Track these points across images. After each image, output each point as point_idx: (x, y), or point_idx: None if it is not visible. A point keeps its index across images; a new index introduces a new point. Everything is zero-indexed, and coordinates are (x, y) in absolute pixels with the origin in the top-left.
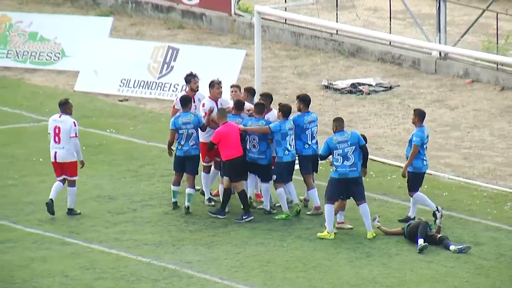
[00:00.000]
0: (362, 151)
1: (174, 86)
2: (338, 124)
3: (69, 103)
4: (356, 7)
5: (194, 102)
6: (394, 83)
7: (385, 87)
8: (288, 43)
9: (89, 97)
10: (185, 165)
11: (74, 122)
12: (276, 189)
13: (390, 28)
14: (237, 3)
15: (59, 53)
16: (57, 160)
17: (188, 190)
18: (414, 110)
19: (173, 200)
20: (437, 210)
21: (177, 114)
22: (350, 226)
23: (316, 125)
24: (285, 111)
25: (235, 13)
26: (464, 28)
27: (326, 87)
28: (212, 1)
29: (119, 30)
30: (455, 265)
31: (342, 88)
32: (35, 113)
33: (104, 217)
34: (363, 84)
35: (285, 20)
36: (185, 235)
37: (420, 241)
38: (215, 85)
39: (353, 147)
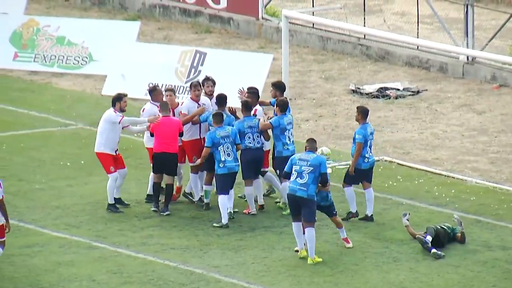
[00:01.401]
0: (321, 178)
1: None
2: (309, 144)
3: None
4: (384, 12)
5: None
6: (422, 88)
7: (412, 92)
8: (315, 48)
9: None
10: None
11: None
12: (281, 183)
13: (418, 32)
14: (265, 7)
15: (87, 57)
16: None
17: (205, 187)
18: (357, 107)
19: (206, 201)
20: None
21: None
22: (351, 245)
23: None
24: (282, 105)
25: (262, 18)
26: (492, 32)
27: (354, 91)
28: (240, 6)
29: (147, 34)
30: (482, 269)
31: (370, 93)
32: (63, 117)
33: (131, 221)
34: (391, 89)
35: (313, 24)
36: (212, 239)
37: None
38: (192, 87)
39: (311, 168)
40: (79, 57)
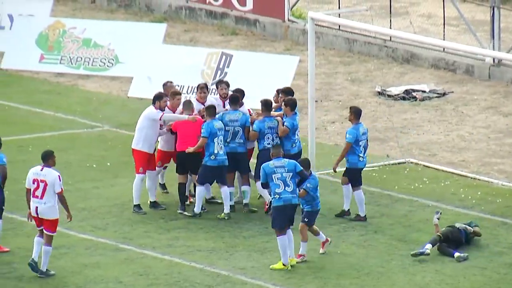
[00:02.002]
0: (301, 176)
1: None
2: (276, 150)
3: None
4: (410, 14)
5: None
6: (448, 90)
7: (438, 94)
8: (341, 50)
9: (143, 103)
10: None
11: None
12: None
13: (444, 34)
14: (291, 9)
15: (113, 59)
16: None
17: (244, 187)
18: (350, 107)
19: (245, 201)
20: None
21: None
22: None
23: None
24: (292, 104)
25: (288, 20)
26: None
27: (380, 93)
28: (266, 8)
29: (173, 37)
30: (509, 271)
31: (396, 95)
32: (89, 119)
33: (157, 223)
34: (417, 91)
35: (339, 26)
36: (238, 241)
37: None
38: (198, 89)
39: (291, 174)
40: (105, 59)
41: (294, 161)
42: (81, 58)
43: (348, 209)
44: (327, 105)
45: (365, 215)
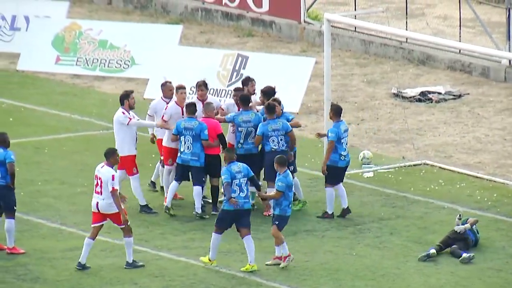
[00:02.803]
0: (252, 183)
1: None
2: (229, 155)
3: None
4: (426, 15)
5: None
6: (464, 91)
7: (454, 95)
8: (357, 51)
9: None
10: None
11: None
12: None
13: (460, 36)
14: (307, 11)
15: (129, 61)
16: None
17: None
18: (331, 105)
19: (251, 201)
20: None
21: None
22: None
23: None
24: (336, 110)
25: (304, 21)
26: None
27: (396, 95)
28: (282, 9)
29: (189, 38)
30: None
31: (412, 96)
32: (105, 121)
33: (172, 225)
34: (433, 92)
35: (355, 28)
36: (254, 243)
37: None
38: (197, 87)
39: (246, 179)
40: (121, 61)
41: (247, 166)
42: (97, 60)
43: (332, 213)
44: (342, 106)
45: (333, 213)
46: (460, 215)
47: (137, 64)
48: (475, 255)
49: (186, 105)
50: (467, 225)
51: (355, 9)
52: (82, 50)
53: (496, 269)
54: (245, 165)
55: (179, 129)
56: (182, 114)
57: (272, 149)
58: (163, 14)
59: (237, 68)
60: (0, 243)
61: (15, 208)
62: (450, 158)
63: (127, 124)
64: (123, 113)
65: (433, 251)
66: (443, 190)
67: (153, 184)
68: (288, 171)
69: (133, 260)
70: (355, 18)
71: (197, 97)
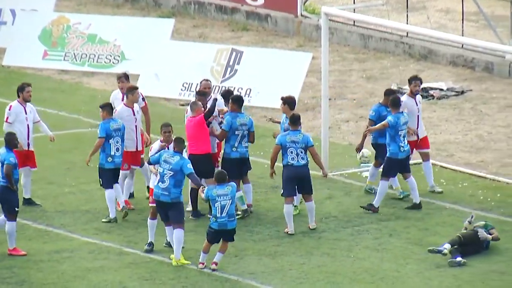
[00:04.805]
0: (190, 178)
1: (237, 90)
2: (177, 145)
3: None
4: (427, 9)
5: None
6: (466, 88)
7: (456, 92)
8: (356, 46)
9: (149, 102)
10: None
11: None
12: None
13: (463, 30)
14: (304, 4)
15: (119, 56)
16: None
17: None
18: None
19: (243, 207)
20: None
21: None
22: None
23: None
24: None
25: (301, 15)
26: None
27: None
28: (278, 2)
29: (181, 32)
30: None
31: None
32: (93, 118)
33: (163, 226)
34: (434, 89)
35: (354, 22)
36: (248, 245)
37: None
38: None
39: (172, 173)
40: (111, 56)
41: (184, 162)
42: (86, 55)
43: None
44: (341, 103)
45: (378, 207)
46: (472, 217)
47: (128, 59)
48: (478, 257)
49: (103, 106)
50: (489, 237)
51: (354, 2)
52: (70, 44)
53: (500, 272)
54: (180, 160)
55: (108, 131)
56: (134, 115)
57: (289, 163)
58: (154, 7)
59: (231, 63)
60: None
61: (16, 210)
62: (452, 157)
63: (5, 121)
64: (19, 102)
65: (446, 251)
66: (445, 189)
67: (148, 189)
68: (225, 186)
69: None
70: (354, 12)
71: (119, 88)
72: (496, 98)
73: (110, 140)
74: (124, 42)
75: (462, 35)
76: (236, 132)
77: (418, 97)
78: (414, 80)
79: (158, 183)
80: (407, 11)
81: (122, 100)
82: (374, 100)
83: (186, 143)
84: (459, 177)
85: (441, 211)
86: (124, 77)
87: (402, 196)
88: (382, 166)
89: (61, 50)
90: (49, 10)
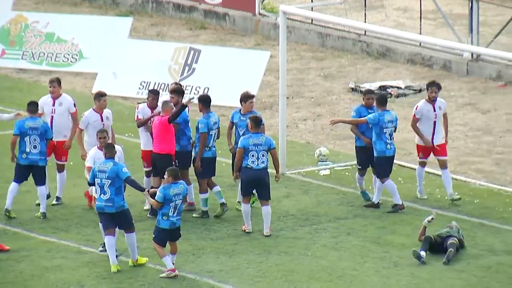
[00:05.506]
0: (128, 183)
1: (195, 89)
2: (108, 151)
3: None
4: (385, 7)
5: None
6: (424, 86)
7: (414, 90)
8: (314, 44)
9: (108, 100)
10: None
11: None
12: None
13: (420, 28)
14: (262, 2)
15: (77, 55)
16: None
17: (202, 195)
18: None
19: (204, 208)
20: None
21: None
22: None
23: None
24: (380, 98)
25: (259, 13)
26: (498, 28)
27: (354, 89)
28: (236, 1)
29: (139, 31)
30: (486, 275)
31: None
32: None
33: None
34: (392, 87)
35: (311, 20)
36: (205, 244)
37: (422, 253)
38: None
39: (110, 181)
40: (69, 54)
41: (119, 167)
42: (44, 54)
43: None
44: (298, 102)
45: (402, 204)
46: (432, 218)
47: (86, 58)
48: (435, 255)
49: (28, 104)
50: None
51: (311, 1)
52: (28, 43)
53: (458, 270)
54: (114, 166)
55: (22, 129)
56: (102, 120)
57: (248, 166)
58: (112, 6)
59: (189, 62)
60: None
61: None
62: (410, 155)
63: None
64: None
65: (423, 259)
66: (403, 188)
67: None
68: (179, 184)
69: None
70: (312, 10)
71: (50, 94)
72: (454, 96)
73: (25, 138)
74: (82, 40)
75: (420, 34)
76: (211, 132)
77: (440, 103)
78: (431, 86)
79: (100, 195)
80: (365, 10)
81: (53, 105)
82: (331, 99)
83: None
84: None
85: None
86: (56, 82)
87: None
88: (374, 172)
89: (19, 49)
90: (7, 9)
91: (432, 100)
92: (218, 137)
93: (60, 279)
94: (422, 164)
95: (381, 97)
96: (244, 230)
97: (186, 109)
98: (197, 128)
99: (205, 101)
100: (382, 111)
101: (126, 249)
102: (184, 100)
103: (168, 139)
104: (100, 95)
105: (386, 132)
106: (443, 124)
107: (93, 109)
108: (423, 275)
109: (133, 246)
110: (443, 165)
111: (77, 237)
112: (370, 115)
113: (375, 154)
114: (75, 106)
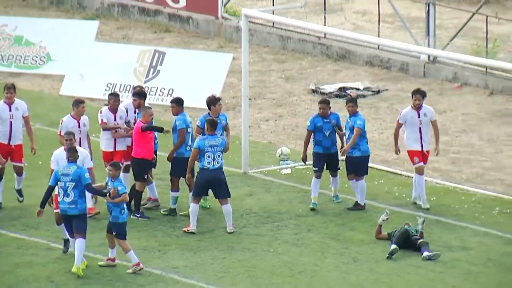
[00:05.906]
0: (87, 189)
1: (160, 91)
2: (71, 154)
3: None
4: (345, 11)
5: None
6: (382, 87)
7: (373, 91)
8: (275, 47)
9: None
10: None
11: None
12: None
13: (379, 31)
14: (224, 6)
15: (45, 57)
16: None
17: (173, 193)
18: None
19: (173, 206)
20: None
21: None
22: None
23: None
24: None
25: (222, 17)
26: (454, 31)
27: (314, 91)
28: (199, 5)
29: (105, 34)
30: (443, 270)
31: (330, 92)
32: None
33: (89, 222)
34: (351, 88)
35: (273, 23)
36: (171, 240)
37: (393, 246)
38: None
39: (74, 183)
40: (37, 57)
41: (82, 171)
42: (13, 56)
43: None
44: (260, 103)
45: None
46: (387, 218)
47: (53, 60)
48: (392, 251)
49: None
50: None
51: (273, 4)
52: None
53: (415, 265)
54: (77, 169)
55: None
56: (79, 127)
57: (205, 167)
58: (79, 9)
59: (154, 64)
60: None
61: None
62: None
63: None
64: None
65: (394, 246)
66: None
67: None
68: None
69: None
70: (273, 14)
71: (4, 100)
72: (410, 97)
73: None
74: (50, 43)
75: (379, 36)
76: (189, 130)
77: (425, 110)
78: (415, 94)
79: (63, 198)
80: (325, 13)
81: (10, 110)
82: (292, 100)
83: None
84: (376, 174)
85: (358, 206)
86: (12, 88)
87: (337, 201)
88: (351, 171)
89: None
90: None
91: (417, 107)
92: (194, 138)
93: (31, 275)
94: (420, 171)
95: (353, 99)
96: (188, 231)
97: (187, 116)
98: (174, 127)
99: (178, 102)
100: (358, 114)
101: (90, 245)
102: (165, 128)
103: (142, 144)
104: (78, 102)
105: (366, 132)
106: (434, 133)
107: (71, 115)
108: (382, 270)
109: (80, 252)
110: (420, 171)
111: (47, 234)
112: (359, 122)
113: (358, 154)
114: (28, 110)
